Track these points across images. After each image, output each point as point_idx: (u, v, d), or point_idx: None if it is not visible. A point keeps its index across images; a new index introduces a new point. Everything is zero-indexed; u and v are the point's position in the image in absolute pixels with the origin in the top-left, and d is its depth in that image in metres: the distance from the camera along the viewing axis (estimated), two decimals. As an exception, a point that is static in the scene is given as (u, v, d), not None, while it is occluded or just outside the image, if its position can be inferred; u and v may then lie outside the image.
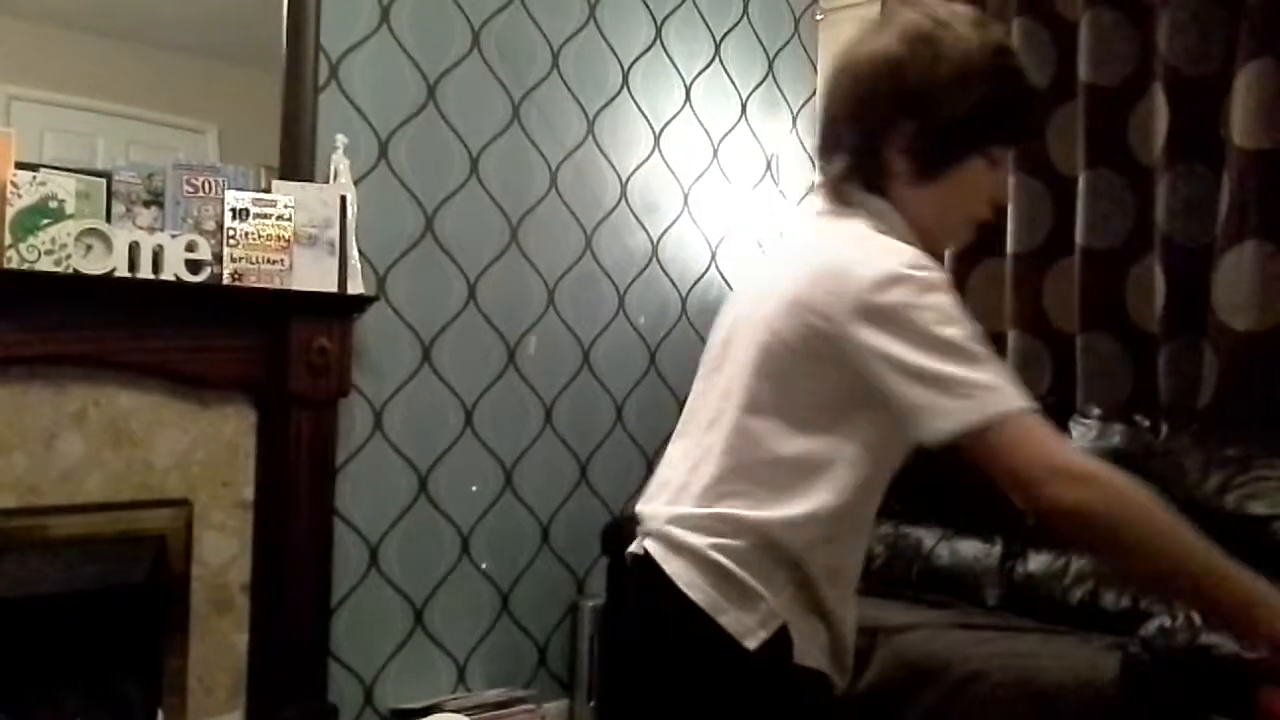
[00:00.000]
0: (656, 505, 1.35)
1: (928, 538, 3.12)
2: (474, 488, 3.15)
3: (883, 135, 1.29)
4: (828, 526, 1.29)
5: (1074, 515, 1.15)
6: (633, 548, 1.37)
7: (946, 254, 3.46)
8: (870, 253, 1.22)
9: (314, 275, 2.59)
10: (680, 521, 1.29)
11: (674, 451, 1.39)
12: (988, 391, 1.15)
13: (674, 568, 1.27)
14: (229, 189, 2.50)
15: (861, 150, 1.30)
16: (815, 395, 1.24)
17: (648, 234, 3.57)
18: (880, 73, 1.29)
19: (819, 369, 1.23)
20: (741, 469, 1.27)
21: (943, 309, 1.17)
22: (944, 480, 3.16)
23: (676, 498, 1.32)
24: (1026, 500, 1.17)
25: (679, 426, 1.41)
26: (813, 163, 4.04)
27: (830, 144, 1.36)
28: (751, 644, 1.23)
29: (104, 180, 2.39)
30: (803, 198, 3.98)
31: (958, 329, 1.16)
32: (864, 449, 1.27)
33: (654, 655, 1.31)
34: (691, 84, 3.68)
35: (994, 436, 1.16)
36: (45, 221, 2.23)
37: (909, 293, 1.17)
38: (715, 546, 1.25)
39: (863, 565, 1.45)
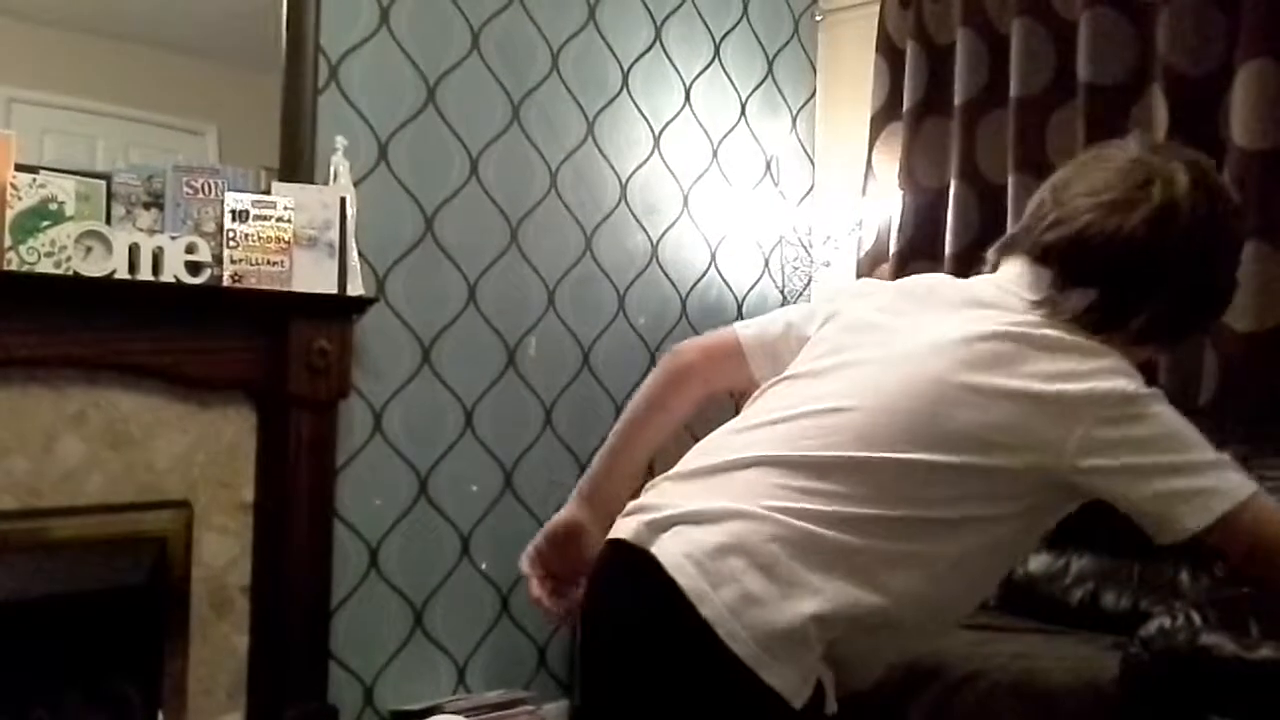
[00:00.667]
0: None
1: (928, 538, 3.11)
2: (474, 488, 3.15)
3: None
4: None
5: None
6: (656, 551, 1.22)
7: (947, 254, 3.47)
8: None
9: (314, 277, 2.59)
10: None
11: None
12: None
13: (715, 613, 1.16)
14: (229, 191, 2.50)
15: (1109, 313, 1.29)
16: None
17: (647, 235, 3.57)
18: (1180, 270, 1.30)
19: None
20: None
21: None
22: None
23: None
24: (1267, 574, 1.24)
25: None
26: (812, 163, 4.05)
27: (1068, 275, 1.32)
28: (798, 704, 1.17)
29: (104, 182, 2.39)
30: (802, 199, 3.99)
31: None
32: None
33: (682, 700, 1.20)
34: (691, 85, 3.68)
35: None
36: (45, 223, 2.23)
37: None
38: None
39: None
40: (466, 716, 2.89)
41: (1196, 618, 1.98)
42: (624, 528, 1.28)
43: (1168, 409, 1.21)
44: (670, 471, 1.36)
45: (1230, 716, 1.90)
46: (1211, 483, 1.17)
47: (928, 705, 2.31)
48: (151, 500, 2.49)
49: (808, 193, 4.03)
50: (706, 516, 1.22)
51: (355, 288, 2.67)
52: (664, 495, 1.30)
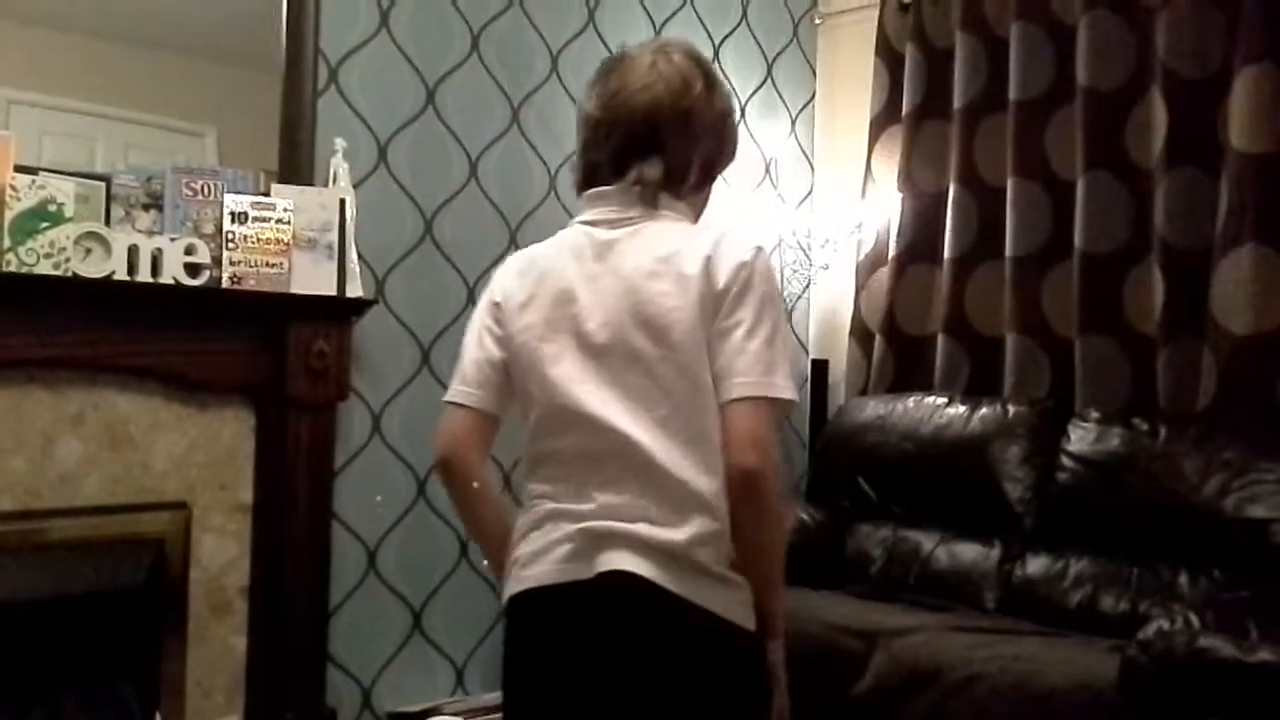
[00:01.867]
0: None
1: (926, 541, 3.12)
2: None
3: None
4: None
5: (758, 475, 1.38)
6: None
7: (946, 257, 3.47)
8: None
9: (313, 279, 2.59)
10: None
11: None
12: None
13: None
14: (228, 192, 2.50)
15: (679, 167, 1.58)
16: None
17: (647, 237, 3.56)
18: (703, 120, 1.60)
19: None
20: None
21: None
22: (943, 484, 3.17)
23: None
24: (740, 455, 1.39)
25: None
26: (811, 166, 4.05)
27: (638, 151, 1.57)
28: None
29: (103, 184, 2.39)
30: (801, 202, 3.99)
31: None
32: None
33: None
34: (690, 88, 3.68)
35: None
36: (44, 225, 2.23)
37: None
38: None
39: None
40: (464, 718, 2.89)
41: (1195, 620, 1.99)
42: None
43: None
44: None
45: (1229, 719, 1.90)
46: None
47: (926, 707, 2.32)
48: (150, 502, 2.49)
49: (807, 196, 4.04)
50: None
51: (354, 290, 2.67)
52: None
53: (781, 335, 1.43)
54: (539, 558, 1.45)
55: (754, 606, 1.42)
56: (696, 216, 1.60)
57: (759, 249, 1.47)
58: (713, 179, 1.63)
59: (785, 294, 3.79)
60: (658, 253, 1.47)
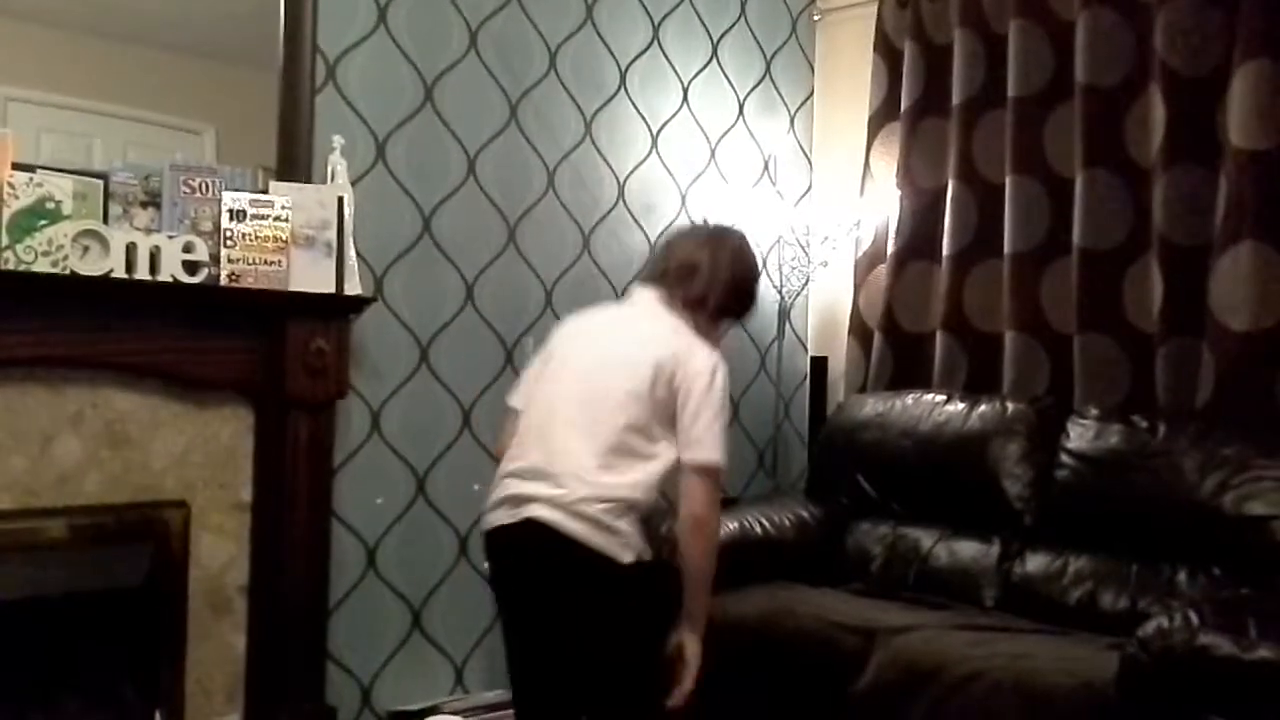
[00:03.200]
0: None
1: (926, 539, 3.12)
2: (476, 487, 3.14)
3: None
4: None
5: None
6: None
7: (944, 254, 3.47)
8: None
9: (311, 276, 2.59)
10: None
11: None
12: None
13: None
14: (226, 190, 2.50)
15: (700, 295, 2.31)
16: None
17: (645, 234, 3.57)
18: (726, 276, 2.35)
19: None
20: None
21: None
22: (942, 481, 3.17)
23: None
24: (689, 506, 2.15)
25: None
26: (810, 163, 4.05)
27: (675, 279, 2.33)
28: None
29: (101, 181, 2.38)
30: (800, 199, 3.99)
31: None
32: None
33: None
34: (689, 84, 3.68)
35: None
36: (42, 222, 2.23)
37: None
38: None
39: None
40: (464, 717, 2.90)
41: (1194, 618, 1.99)
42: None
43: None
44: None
45: (1228, 716, 1.90)
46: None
47: (927, 705, 2.32)
48: (149, 500, 2.49)
49: (805, 193, 4.03)
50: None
51: (353, 287, 2.67)
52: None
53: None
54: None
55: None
56: (700, 332, 2.27)
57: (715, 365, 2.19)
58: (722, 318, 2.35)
59: (785, 291, 3.78)
60: (656, 336, 2.21)
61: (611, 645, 2.08)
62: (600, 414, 2.12)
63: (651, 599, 2.14)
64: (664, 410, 2.13)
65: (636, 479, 2.09)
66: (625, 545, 2.07)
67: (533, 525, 2.07)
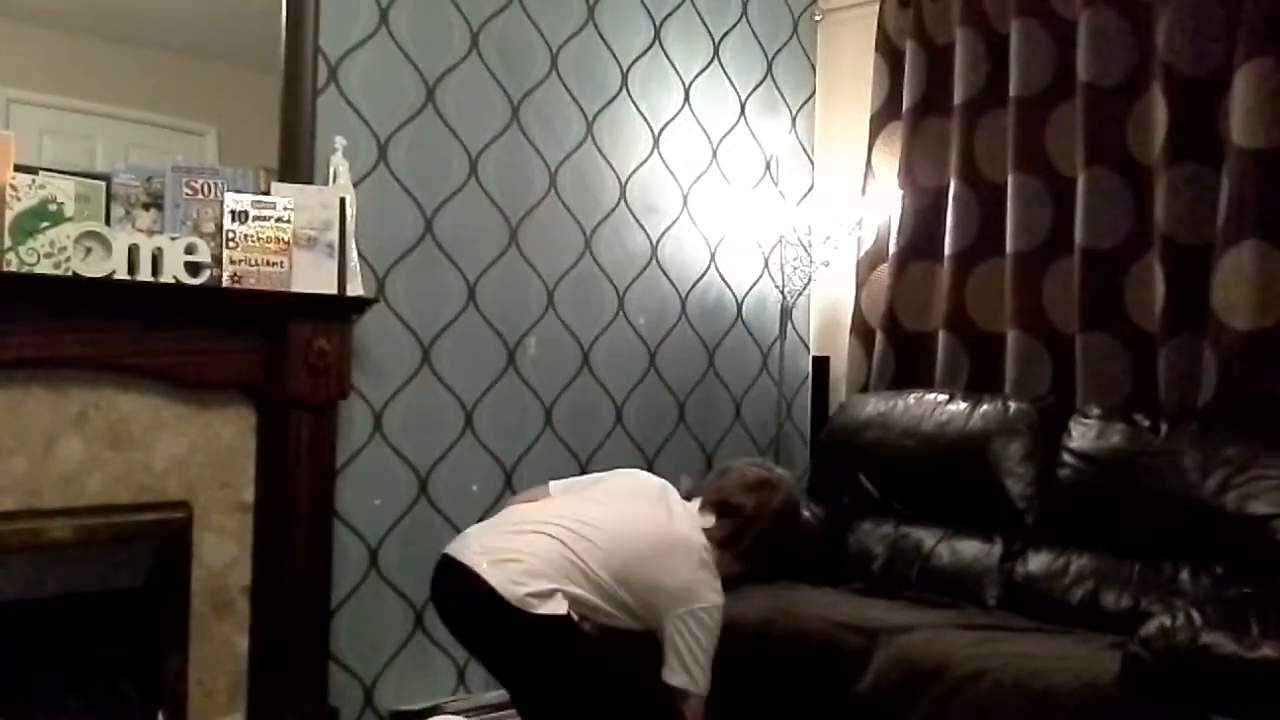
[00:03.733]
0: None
1: (928, 538, 3.12)
2: (475, 488, 3.15)
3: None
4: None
5: None
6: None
7: (946, 254, 3.47)
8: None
9: (313, 277, 2.59)
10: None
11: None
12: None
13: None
14: (228, 191, 2.50)
15: (734, 535, 2.45)
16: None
17: (647, 235, 3.57)
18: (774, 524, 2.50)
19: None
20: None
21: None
22: (944, 480, 3.17)
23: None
24: None
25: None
26: (811, 162, 4.05)
27: (720, 509, 2.48)
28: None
29: (103, 183, 2.38)
30: (801, 199, 3.99)
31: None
32: None
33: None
34: (690, 85, 3.69)
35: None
36: (44, 224, 2.23)
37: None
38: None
39: None
40: (466, 717, 2.90)
41: (1197, 617, 1.98)
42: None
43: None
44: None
45: (1230, 715, 1.90)
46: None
47: (929, 705, 2.32)
48: (151, 501, 2.49)
49: (807, 192, 4.03)
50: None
51: (355, 288, 2.67)
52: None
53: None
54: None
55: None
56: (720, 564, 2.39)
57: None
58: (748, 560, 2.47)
59: (787, 291, 3.78)
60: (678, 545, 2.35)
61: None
62: (588, 554, 2.26)
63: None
64: (644, 597, 2.28)
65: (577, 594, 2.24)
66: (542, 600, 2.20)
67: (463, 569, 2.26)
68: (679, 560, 2.31)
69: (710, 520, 2.43)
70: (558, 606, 2.17)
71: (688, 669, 2.25)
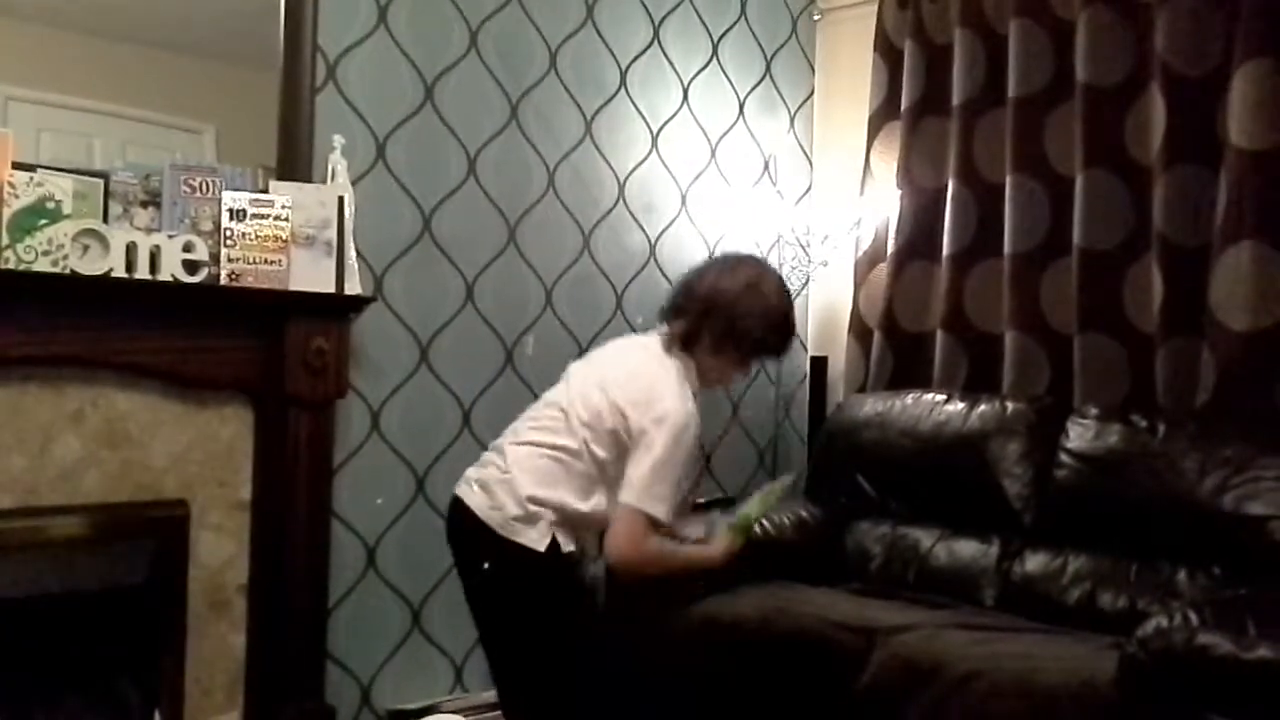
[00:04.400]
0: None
1: (925, 538, 3.12)
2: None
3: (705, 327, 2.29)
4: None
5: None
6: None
7: (944, 254, 3.47)
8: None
9: (311, 276, 2.59)
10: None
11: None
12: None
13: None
14: (226, 189, 2.50)
15: (690, 330, 2.30)
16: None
17: (645, 234, 3.57)
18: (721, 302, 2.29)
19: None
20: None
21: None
22: (941, 481, 3.17)
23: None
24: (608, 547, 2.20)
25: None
26: (810, 162, 4.05)
27: (676, 312, 2.34)
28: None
29: (101, 181, 2.38)
30: (800, 199, 3.99)
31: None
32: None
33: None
34: (689, 84, 3.68)
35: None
36: (42, 222, 2.23)
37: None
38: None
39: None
40: (464, 716, 2.89)
41: (1194, 618, 1.98)
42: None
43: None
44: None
45: (1227, 716, 1.90)
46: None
47: (926, 705, 2.32)
48: (149, 499, 2.49)
49: (806, 192, 4.03)
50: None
51: (353, 287, 2.67)
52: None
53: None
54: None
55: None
56: (703, 373, 2.32)
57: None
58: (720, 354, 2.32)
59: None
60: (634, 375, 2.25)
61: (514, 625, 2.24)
62: (555, 430, 2.22)
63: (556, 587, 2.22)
64: (616, 447, 2.19)
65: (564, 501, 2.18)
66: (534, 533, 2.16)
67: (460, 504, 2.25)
68: (640, 367, 2.24)
69: (664, 328, 2.33)
70: (540, 538, 2.13)
71: (632, 482, 2.15)
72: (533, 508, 2.15)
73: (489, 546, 2.16)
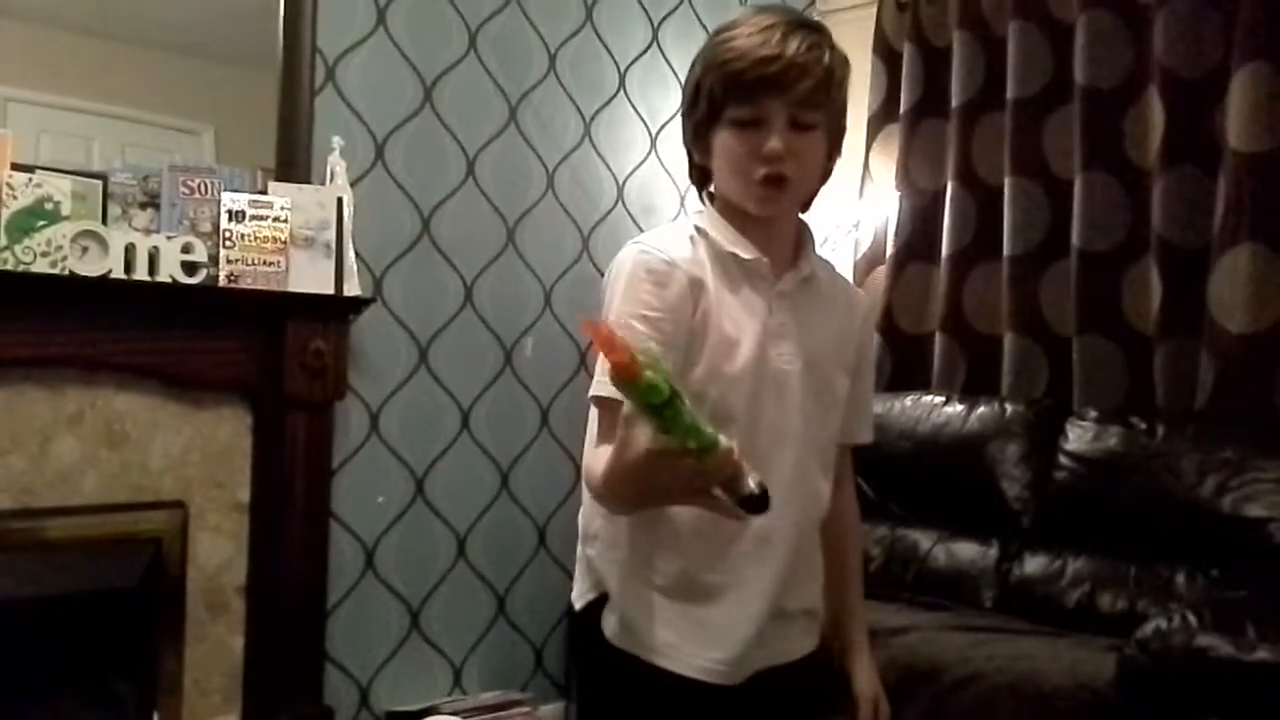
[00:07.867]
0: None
1: (924, 540, 3.12)
2: (471, 488, 3.15)
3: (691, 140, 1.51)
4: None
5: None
6: None
7: (943, 256, 3.47)
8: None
9: (310, 277, 2.59)
10: None
11: None
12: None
13: None
14: (225, 191, 2.49)
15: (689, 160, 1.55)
16: None
17: (644, 236, 3.56)
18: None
19: None
20: None
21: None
22: (940, 483, 3.17)
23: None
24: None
25: None
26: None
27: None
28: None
29: (100, 182, 2.38)
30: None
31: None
32: None
33: None
34: (688, 86, 3.68)
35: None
36: (41, 223, 2.23)
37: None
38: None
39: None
40: (463, 718, 2.89)
41: (1193, 619, 1.99)
42: None
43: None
44: None
45: (1227, 718, 1.90)
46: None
47: (925, 706, 2.32)
48: (147, 500, 2.48)
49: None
50: None
51: (352, 288, 2.67)
52: None
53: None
54: None
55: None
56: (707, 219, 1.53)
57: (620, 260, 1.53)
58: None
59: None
60: None
61: None
62: None
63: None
64: None
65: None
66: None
67: None
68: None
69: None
70: (586, 592, 1.51)
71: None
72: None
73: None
